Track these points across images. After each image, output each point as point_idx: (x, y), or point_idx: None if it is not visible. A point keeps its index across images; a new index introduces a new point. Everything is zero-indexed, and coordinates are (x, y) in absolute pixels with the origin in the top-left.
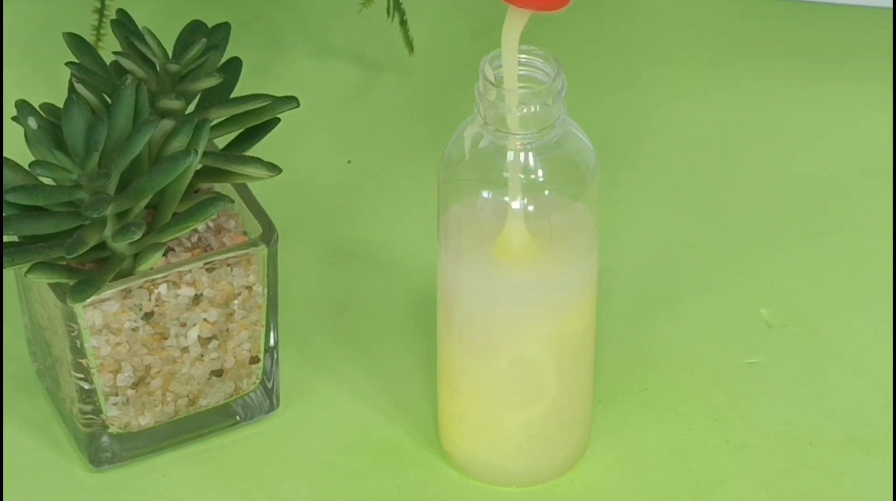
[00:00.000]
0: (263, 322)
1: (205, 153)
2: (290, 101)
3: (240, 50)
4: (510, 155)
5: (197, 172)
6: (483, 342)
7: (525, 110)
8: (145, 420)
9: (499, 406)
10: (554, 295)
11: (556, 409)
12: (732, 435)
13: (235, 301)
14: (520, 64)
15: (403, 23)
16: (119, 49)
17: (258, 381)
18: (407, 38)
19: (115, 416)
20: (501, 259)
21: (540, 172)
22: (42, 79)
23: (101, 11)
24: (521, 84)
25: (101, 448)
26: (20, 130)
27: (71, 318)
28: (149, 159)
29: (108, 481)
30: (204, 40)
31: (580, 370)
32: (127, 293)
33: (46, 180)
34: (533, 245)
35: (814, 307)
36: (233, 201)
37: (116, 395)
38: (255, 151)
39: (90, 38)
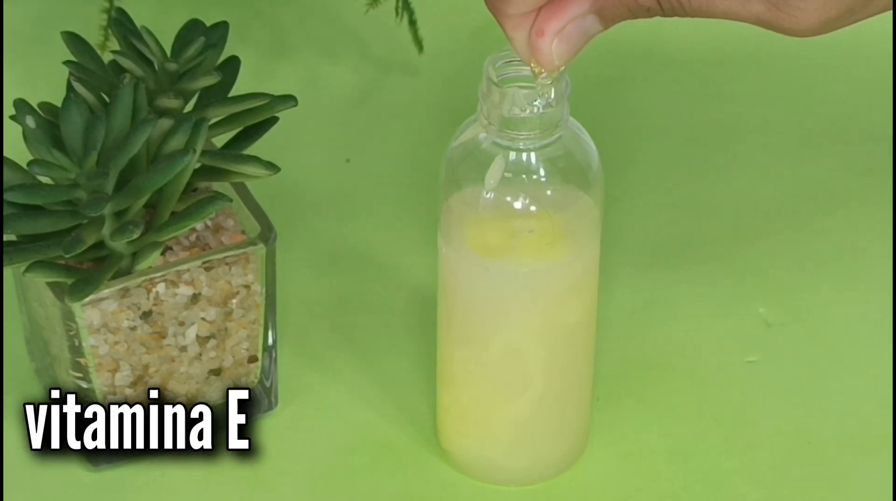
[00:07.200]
0: (262, 321)
1: (203, 152)
2: (289, 100)
3: (242, 50)
4: (512, 155)
5: (195, 170)
6: (476, 329)
7: (528, 111)
8: None
9: (490, 398)
10: (540, 286)
11: (545, 403)
12: (731, 434)
13: (234, 300)
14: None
15: (412, 23)
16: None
17: (256, 380)
18: (416, 38)
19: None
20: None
21: (542, 173)
22: (40, 78)
23: (109, 12)
24: (524, 84)
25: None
26: (18, 129)
27: (69, 317)
28: (147, 158)
29: (107, 480)
30: (202, 39)
31: (572, 365)
32: (125, 292)
33: (45, 179)
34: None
35: (812, 306)
36: (231, 200)
37: (115, 394)
38: (254, 149)
39: (97, 39)
